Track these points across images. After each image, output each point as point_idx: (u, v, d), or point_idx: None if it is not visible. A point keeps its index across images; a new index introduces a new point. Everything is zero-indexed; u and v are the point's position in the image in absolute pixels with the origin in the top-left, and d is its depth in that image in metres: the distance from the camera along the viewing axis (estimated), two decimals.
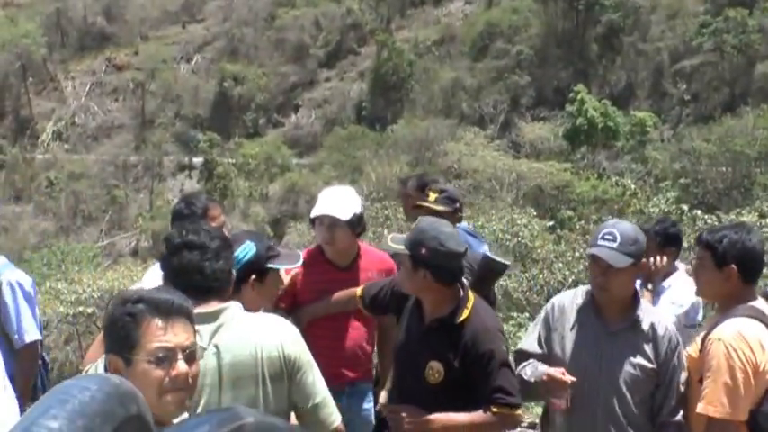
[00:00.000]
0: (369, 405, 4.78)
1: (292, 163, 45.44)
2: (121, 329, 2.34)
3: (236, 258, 3.58)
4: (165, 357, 2.35)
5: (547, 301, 4.93)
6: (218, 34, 58.11)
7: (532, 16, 49.46)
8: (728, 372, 3.56)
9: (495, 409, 3.70)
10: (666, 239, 5.39)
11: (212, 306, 3.05)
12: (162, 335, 2.35)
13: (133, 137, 52.92)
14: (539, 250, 16.74)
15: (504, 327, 5.31)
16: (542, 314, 4.02)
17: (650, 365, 3.73)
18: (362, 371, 4.77)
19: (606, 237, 3.71)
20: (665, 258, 5.32)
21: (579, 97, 38.23)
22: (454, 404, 3.76)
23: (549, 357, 3.85)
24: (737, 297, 3.78)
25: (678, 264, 5.57)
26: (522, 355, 3.92)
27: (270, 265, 3.70)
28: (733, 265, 3.71)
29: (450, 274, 3.77)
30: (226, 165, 45.76)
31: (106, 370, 2.39)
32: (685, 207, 15.95)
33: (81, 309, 20.30)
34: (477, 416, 3.72)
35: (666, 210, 15.91)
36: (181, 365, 2.37)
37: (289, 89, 53.84)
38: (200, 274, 3.07)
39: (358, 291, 4.41)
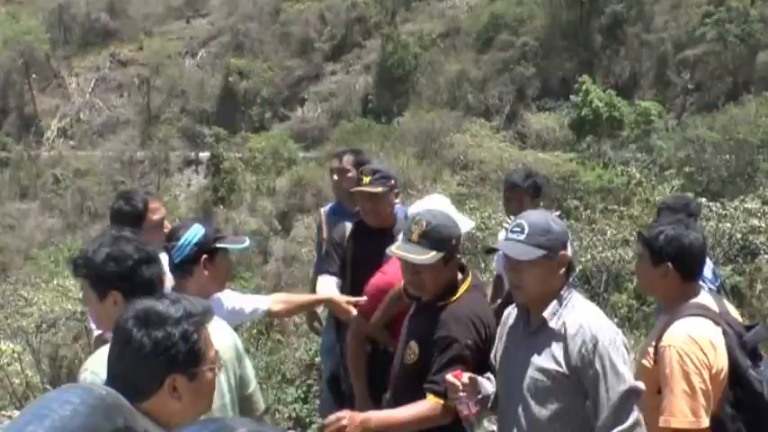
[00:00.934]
0: None
1: (299, 156, 45.41)
2: (193, 345, 2.32)
3: (185, 240, 3.80)
4: (215, 361, 2.42)
5: None
6: (223, 29, 57.99)
7: (537, 8, 49.32)
8: (684, 379, 3.47)
9: (428, 396, 3.66)
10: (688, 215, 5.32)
11: None
12: (210, 340, 2.41)
13: (139, 132, 52.86)
14: None
15: None
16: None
17: (559, 369, 3.30)
18: None
19: (514, 229, 3.40)
20: None
21: (584, 87, 38.15)
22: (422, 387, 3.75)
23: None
24: (678, 295, 3.71)
25: None
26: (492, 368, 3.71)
27: (218, 245, 3.82)
28: (669, 263, 3.65)
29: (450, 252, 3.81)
30: (232, 159, 45.76)
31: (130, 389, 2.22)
32: (690, 195, 15.95)
33: None
34: (413, 408, 3.66)
35: None
36: (218, 367, 2.46)
37: (294, 83, 53.77)
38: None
39: (400, 286, 4.36)
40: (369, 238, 5.06)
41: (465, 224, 4.48)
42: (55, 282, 21.36)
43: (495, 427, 6.08)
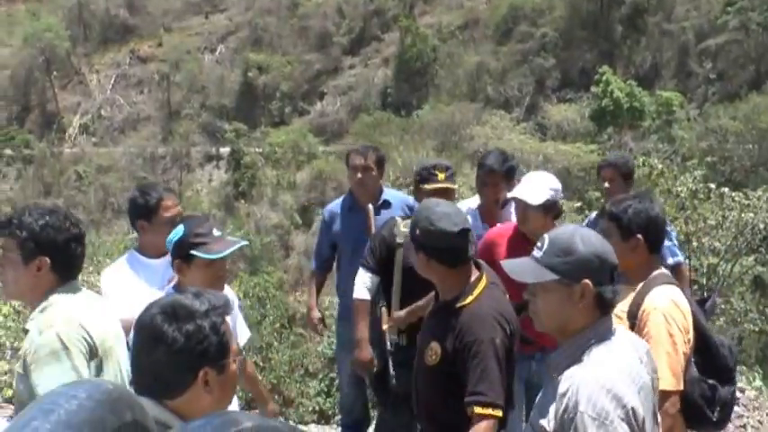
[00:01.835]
0: None
1: (319, 150, 45.45)
2: (222, 337, 2.31)
3: (168, 239, 3.78)
4: (239, 352, 2.40)
5: None
6: (242, 24, 58.09)
7: None
8: (669, 341, 3.53)
9: (476, 411, 3.58)
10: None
11: None
12: (231, 332, 2.38)
13: (160, 128, 53.07)
14: None
15: None
16: None
17: (546, 428, 2.90)
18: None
19: (537, 245, 3.04)
20: None
21: (605, 78, 38.01)
22: (447, 388, 3.73)
23: None
24: (646, 267, 3.75)
25: None
26: None
27: (192, 252, 3.69)
28: (639, 236, 3.69)
29: (448, 254, 3.72)
30: (253, 154, 45.87)
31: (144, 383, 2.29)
32: (713, 185, 15.85)
33: None
34: None
35: (694, 188, 15.83)
36: (238, 359, 2.43)
37: (313, 77, 53.80)
38: None
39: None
40: None
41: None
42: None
43: None
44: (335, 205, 6.13)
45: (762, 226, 14.60)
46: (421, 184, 4.97)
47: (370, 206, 6.01)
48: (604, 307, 2.84)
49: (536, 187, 4.74)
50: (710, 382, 3.73)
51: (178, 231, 3.75)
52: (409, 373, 4.54)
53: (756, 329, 13.90)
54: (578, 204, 20.84)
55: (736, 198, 14.98)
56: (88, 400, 0.90)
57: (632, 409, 2.68)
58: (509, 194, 4.99)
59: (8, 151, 51.69)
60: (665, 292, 3.65)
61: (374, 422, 5.92)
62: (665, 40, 45.28)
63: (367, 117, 45.61)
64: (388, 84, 50.90)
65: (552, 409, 2.78)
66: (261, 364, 14.56)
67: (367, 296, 5.16)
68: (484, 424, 3.52)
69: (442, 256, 3.72)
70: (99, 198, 46.81)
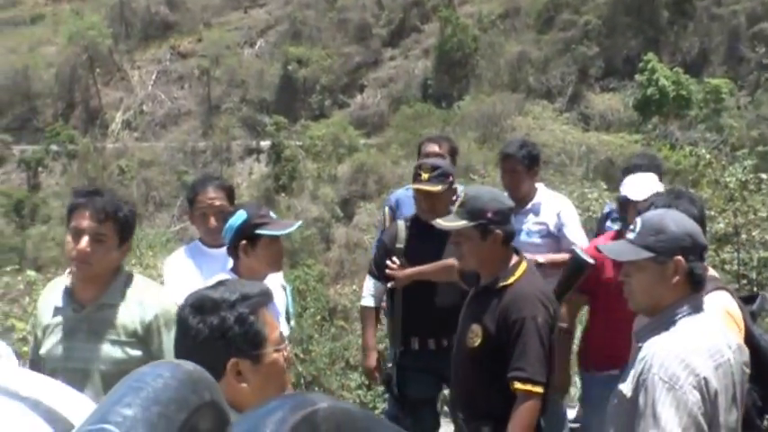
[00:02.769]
0: None
1: (359, 143, 45.47)
2: (250, 328, 2.32)
3: (229, 226, 3.96)
4: (281, 342, 2.43)
5: None
6: (281, 18, 58.31)
7: None
8: None
9: (516, 386, 3.69)
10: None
11: None
12: (273, 321, 2.43)
13: (200, 123, 53.56)
14: None
15: None
16: None
17: (626, 394, 3.01)
18: None
19: (631, 228, 3.17)
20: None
21: (650, 66, 37.55)
22: (492, 369, 3.77)
23: None
24: None
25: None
26: None
27: (258, 232, 3.90)
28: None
29: (512, 230, 3.92)
30: (293, 147, 46.06)
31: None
32: (764, 176, 15.44)
33: None
34: (518, 420, 3.68)
35: (744, 179, 15.43)
36: (288, 346, 2.50)
37: (353, 69, 53.85)
38: None
39: (454, 262, 4.41)
40: (425, 235, 4.92)
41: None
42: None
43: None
44: (404, 192, 5.97)
45: None
46: (412, 180, 4.99)
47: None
48: (696, 284, 2.97)
49: (641, 184, 4.79)
50: (758, 389, 3.62)
51: (240, 216, 3.92)
52: (428, 377, 4.95)
53: None
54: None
55: None
56: (172, 379, 0.98)
57: (704, 378, 2.76)
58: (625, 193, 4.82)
59: (54, 147, 52.76)
60: (718, 302, 3.53)
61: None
62: (714, 25, 44.37)
63: (408, 109, 45.51)
64: (429, 75, 50.76)
65: (631, 373, 2.92)
66: (301, 356, 14.58)
67: (372, 304, 5.25)
68: (527, 402, 3.65)
69: (507, 233, 3.84)
70: (141, 192, 47.36)
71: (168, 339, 3.34)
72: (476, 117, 40.73)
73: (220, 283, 2.48)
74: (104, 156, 51.34)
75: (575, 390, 6.60)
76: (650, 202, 3.83)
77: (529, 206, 5.49)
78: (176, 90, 56.94)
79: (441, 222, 3.95)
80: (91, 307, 3.43)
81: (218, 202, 4.60)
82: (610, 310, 4.66)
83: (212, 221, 4.57)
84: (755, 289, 13.61)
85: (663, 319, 2.96)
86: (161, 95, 56.42)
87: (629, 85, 41.27)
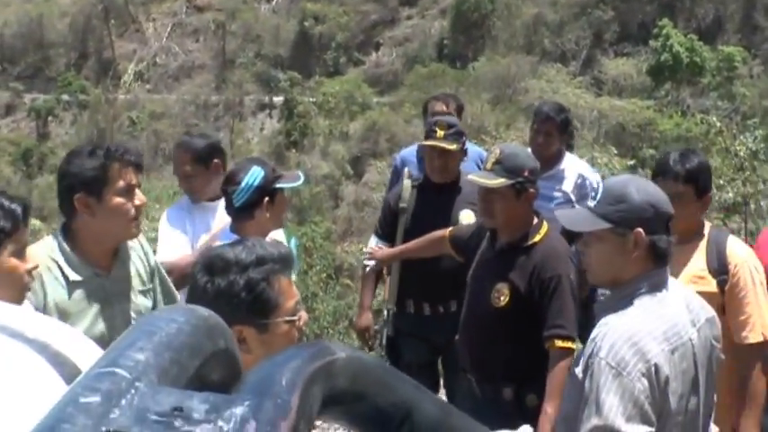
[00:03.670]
0: None
1: (373, 101, 45.30)
2: (260, 295, 2.21)
3: (246, 184, 3.82)
4: (296, 312, 2.32)
5: None
6: None
7: None
8: (762, 291, 3.50)
9: (556, 344, 3.68)
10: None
11: None
12: (290, 290, 2.31)
13: (214, 77, 53.35)
14: None
15: None
16: None
17: (579, 375, 2.82)
18: None
19: (594, 195, 3.19)
20: None
21: (664, 32, 37.20)
22: (519, 328, 3.77)
23: None
24: (702, 222, 3.70)
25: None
26: None
27: (277, 185, 3.88)
28: (708, 193, 3.62)
29: (539, 189, 3.96)
30: (306, 103, 45.91)
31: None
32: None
33: None
34: (556, 376, 3.62)
35: (754, 148, 15.44)
36: (304, 315, 2.43)
37: (369, 27, 53.46)
38: None
39: (447, 233, 4.44)
40: (431, 197, 4.93)
41: None
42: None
43: None
44: (410, 152, 5.93)
45: None
46: (425, 137, 4.85)
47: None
48: (659, 258, 2.75)
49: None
50: None
51: (258, 173, 3.83)
52: (421, 344, 4.90)
53: None
54: (631, 162, 20.50)
55: None
56: (186, 324, 0.94)
57: (655, 365, 2.57)
58: None
59: (65, 97, 52.55)
60: (742, 244, 3.65)
61: None
62: None
63: (422, 69, 45.22)
64: (445, 35, 50.39)
65: (583, 354, 2.75)
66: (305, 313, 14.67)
67: (374, 263, 5.13)
68: (566, 359, 3.60)
69: (537, 192, 3.90)
70: (151, 144, 47.19)
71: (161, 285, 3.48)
72: (490, 78, 40.51)
73: (240, 242, 2.36)
74: (115, 107, 51.15)
75: None
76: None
77: (552, 171, 5.38)
78: (191, 43, 56.64)
79: (478, 179, 3.87)
80: (115, 269, 3.24)
81: (188, 168, 4.60)
82: None
83: (186, 183, 4.66)
84: None
85: (620, 296, 2.77)
86: (175, 48, 56.12)
87: (642, 51, 40.91)
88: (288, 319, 2.26)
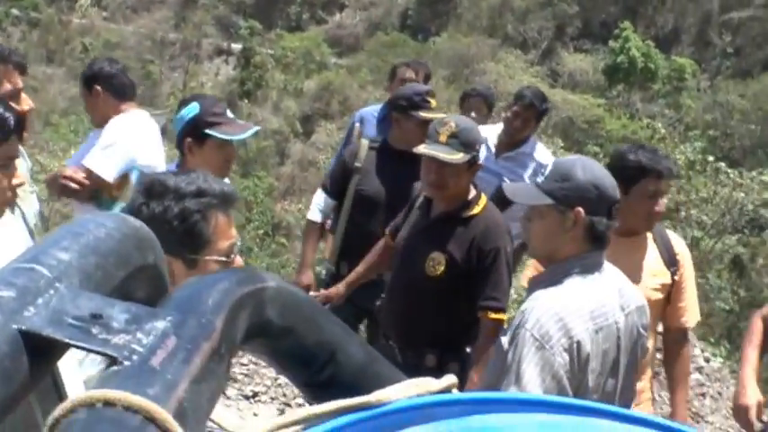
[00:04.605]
0: None
1: (330, 62, 45.07)
2: (192, 227, 2.13)
3: (180, 116, 3.61)
4: (230, 254, 2.22)
5: None
6: None
7: None
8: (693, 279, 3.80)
9: (489, 315, 3.74)
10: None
11: None
12: (228, 230, 2.21)
13: (173, 14, 52.26)
14: None
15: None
16: None
17: (505, 347, 2.85)
18: None
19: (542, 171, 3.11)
20: None
21: (624, 34, 37.65)
22: (449, 297, 3.78)
23: None
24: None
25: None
26: None
27: (208, 131, 3.52)
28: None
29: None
30: (264, 55, 45.40)
31: None
32: (711, 158, 15.93)
33: None
34: (484, 347, 3.65)
35: (692, 159, 15.89)
36: (238, 260, 2.28)
37: None
38: None
39: (387, 238, 4.35)
40: (393, 163, 4.79)
41: None
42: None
43: None
44: (371, 111, 5.86)
45: (750, 207, 14.71)
46: (411, 110, 4.63)
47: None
48: (596, 240, 2.79)
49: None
50: None
51: (192, 108, 3.56)
52: (350, 307, 4.64)
53: (727, 308, 14.11)
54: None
55: (731, 175, 15.05)
56: (116, 231, 0.89)
57: (578, 342, 2.63)
58: None
59: (15, 11, 50.70)
60: (677, 235, 3.91)
61: None
62: (690, 6, 44.54)
63: (384, 36, 45.15)
64: (410, 6, 50.23)
65: (511, 324, 2.81)
66: None
67: (318, 219, 5.09)
68: (495, 329, 3.64)
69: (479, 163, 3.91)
70: None
71: None
72: (449, 55, 40.53)
73: (185, 172, 2.30)
74: (69, 30, 49.70)
75: None
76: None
77: (512, 153, 5.46)
78: None
79: (437, 154, 3.70)
80: None
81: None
82: None
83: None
84: None
85: (553, 273, 2.82)
86: None
87: (601, 50, 41.37)
88: (219, 258, 2.17)
